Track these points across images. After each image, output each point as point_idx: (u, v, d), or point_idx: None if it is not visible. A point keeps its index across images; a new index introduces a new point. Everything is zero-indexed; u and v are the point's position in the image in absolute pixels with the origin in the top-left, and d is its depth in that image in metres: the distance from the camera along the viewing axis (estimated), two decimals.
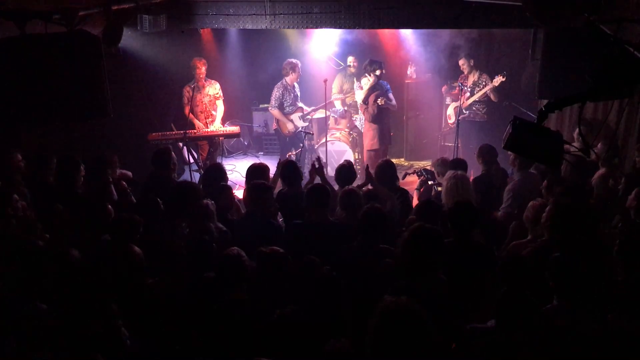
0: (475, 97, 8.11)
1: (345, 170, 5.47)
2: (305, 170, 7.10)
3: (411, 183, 6.69)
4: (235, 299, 3.34)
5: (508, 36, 7.82)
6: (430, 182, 5.86)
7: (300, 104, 8.75)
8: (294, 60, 8.45)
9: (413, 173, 6.32)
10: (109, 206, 4.51)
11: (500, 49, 7.98)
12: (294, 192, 5.19)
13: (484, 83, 8.10)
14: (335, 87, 9.08)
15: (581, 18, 4.27)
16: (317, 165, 5.61)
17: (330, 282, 3.41)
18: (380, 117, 7.79)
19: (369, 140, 7.78)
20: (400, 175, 6.02)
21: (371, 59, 8.02)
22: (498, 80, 7.85)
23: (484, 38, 8.00)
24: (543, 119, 3.17)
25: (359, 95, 8.09)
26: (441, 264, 3.50)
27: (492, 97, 7.99)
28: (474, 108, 8.21)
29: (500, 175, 5.85)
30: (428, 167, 7.20)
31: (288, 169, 5.37)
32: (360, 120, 8.77)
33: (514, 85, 8.22)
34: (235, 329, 3.12)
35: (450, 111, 8.88)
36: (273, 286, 3.59)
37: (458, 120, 7.94)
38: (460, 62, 8.22)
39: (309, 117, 8.79)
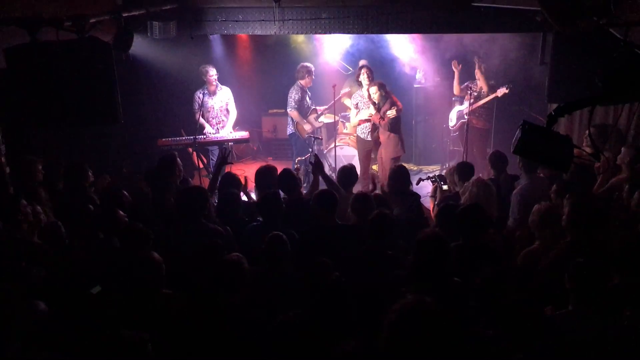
0: (479, 103, 8.11)
1: (347, 173, 5.46)
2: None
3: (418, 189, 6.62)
4: (233, 303, 3.34)
5: (517, 40, 7.78)
6: (444, 187, 5.77)
7: (313, 106, 8.77)
8: (309, 65, 8.44)
9: (427, 179, 6.28)
10: (120, 212, 4.51)
11: (509, 53, 7.94)
12: (294, 199, 5.19)
13: (489, 90, 8.08)
14: (348, 101, 8.99)
15: (591, 22, 4.24)
16: (313, 162, 5.60)
17: (339, 288, 3.39)
18: (398, 124, 7.77)
19: (392, 148, 7.70)
20: (414, 181, 6.00)
21: (360, 66, 8.02)
22: (502, 91, 7.86)
23: (493, 42, 7.97)
24: (552, 123, 3.14)
25: (364, 113, 7.99)
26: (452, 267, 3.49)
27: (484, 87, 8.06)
28: (476, 114, 8.19)
29: (509, 182, 5.81)
30: (441, 173, 7.13)
31: (284, 177, 5.37)
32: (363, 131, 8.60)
33: (523, 89, 8.19)
34: (234, 334, 3.12)
35: (452, 114, 8.86)
36: (275, 289, 3.59)
37: (467, 125, 7.91)
38: (477, 64, 8.21)
39: (321, 119, 8.81)
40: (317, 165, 5.63)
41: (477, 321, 3.29)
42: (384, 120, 7.55)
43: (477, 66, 8.15)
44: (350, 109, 8.63)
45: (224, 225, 4.63)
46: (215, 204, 5.18)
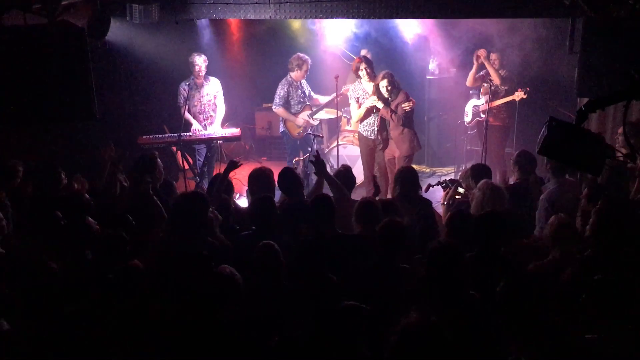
0: (495, 104, 8.09)
1: (343, 176, 5.45)
2: (314, 178, 7.09)
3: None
4: (225, 319, 3.36)
5: (542, 27, 7.79)
6: (461, 190, 5.73)
7: (309, 101, 8.75)
8: (303, 56, 8.42)
9: (438, 185, 6.25)
10: (90, 219, 4.51)
11: (534, 41, 7.95)
12: (296, 202, 5.18)
13: (508, 86, 8.07)
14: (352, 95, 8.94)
15: (626, 6, 4.25)
16: (314, 160, 5.54)
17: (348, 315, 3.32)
18: (411, 119, 7.75)
19: (407, 144, 7.68)
20: (423, 187, 5.98)
21: (359, 58, 7.98)
22: (519, 96, 7.86)
23: (516, 29, 7.97)
24: (582, 120, 3.15)
25: (368, 103, 7.94)
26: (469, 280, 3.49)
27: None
28: (493, 111, 8.18)
29: (537, 186, 5.80)
30: (454, 177, 7.11)
31: (285, 177, 5.38)
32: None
33: (549, 82, 8.19)
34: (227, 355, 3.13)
35: (468, 108, 8.84)
36: (269, 305, 3.61)
37: (485, 123, 7.90)
38: (493, 56, 8.19)
39: (317, 116, 8.79)
40: (318, 164, 5.55)
41: (499, 344, 3.29)
42: (395, 114, 7.50)
43: (482, 56, 8.08)
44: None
45: (227, 240, 4.65)
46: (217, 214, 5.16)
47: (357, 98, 7.94)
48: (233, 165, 5.78)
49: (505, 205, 4.89)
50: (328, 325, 3.06)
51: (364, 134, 8.04)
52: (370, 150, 8.14)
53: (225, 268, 3.66)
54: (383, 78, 7.52)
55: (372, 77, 7.75)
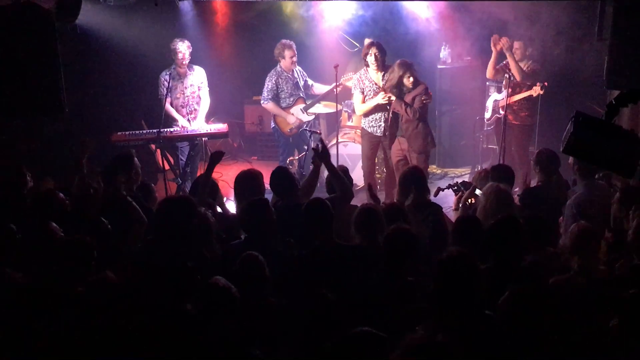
0: (515, 98, 8.07)
1: None
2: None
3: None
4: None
5: (568, 9, 7.79)
6: (478, 193, 5.70)
7: (306, 92, 8.76)
8: (285, 42, 8.44)
9: (449, 188, 6.24)
10: (53, 224, 4.50)
11: (558, 25, 7.95)
12: (289, 205, 5.18)
13: (531, 81, 8.05)
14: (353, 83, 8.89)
15: None
16: (319, 149, 5.51)
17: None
18: (426, 113, 7.74)
19: (421, 140, 7.67)
20: (432, 189, 5.97)
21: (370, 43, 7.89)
22: (536, 91, 7.83)
23: (536, 13, 7.97)
24: (614, 115, 3.15)
25: (378, 98, 7.88)
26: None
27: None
28: (513, 107, 8.17)
29: (562, 189, 5.80)
30: (467, 180, 7.07)
31: (278, 178, 5.38)
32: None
33: (575, 72, 8.18)
34: None
35: (489, 103, 8.83)
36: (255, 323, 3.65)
37: (504, 120, 7.89)
38: (516, 45, 8.15)
39: (313, 110, 8.78)
40: (323, 154, 5.50)
41: None
42: (411, 108, 7.45)
43: (504, 46, 8.01)
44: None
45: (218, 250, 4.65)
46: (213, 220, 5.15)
47: (363, 89, 7.89)
48: (217, 158, 5.65)
49: (512, 211, 4.86)
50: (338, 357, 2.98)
51: (369, 129, 7.97)
52: (374, 148, 8.11)
53: (219, 280, 3.68)
54: (406, 71, 7.42)
55: (382, 66, 7.70)
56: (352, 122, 9.16)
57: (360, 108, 7.91)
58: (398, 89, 7.51)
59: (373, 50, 7.63)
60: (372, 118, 7.90)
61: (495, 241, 4.09)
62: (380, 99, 7.59)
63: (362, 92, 7.89)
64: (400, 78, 7.44)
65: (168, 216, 4.56)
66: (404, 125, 7.66)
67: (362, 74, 7.91)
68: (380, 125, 7.85)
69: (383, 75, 7.73)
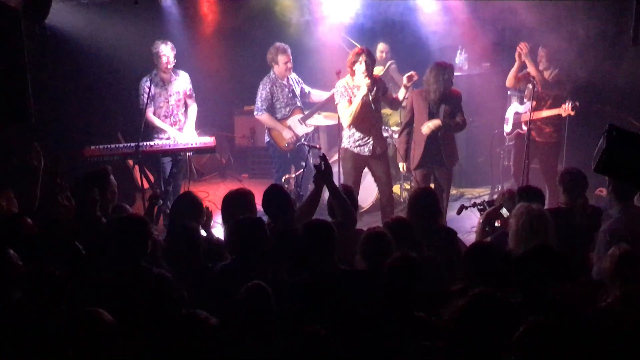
0: (538, 116, 8.02)
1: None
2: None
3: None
4: None
5: (598, 10, 7.84)
6: (504, 213, 5.67)
7: (302, 101, 8.78)
8: (279, 45, 8.42)
9: (474, 206, 6.26)
10: (11, 252, 4.48)
11: (586, 29, 8.00)
12: (284, 229, 5.18)
13: (557, 93, 8.02)
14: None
15: None
16: (322, 167, 5.51)
17: None
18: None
19: (455, 154, 7.81)
20: (454, 209, 5.96)
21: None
22: (566, 111, 7.76)
23: (563, 15, 8.03)
24: None
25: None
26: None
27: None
28: (537, 123, 8.13)
29: (588, 214, 5.79)
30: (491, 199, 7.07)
31: (272, 197, 5.40)
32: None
33: (607, 82, 8.21)
34: None
35: (509, 114, 8.78)
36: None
37: (527, 136, 7.87)
38: (541, 52, 8.12)
39: (312, 122, 8.79)
40: (325, 173, 5.50)
41: None
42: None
43: (523, 51, 7.94)
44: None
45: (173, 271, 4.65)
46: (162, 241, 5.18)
47: (351, 98, 7.51)
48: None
49: (552, 237, 4.85)
50: None
51: (355, 150, 7.67)
52: (359, 171, 7.83)
53: (200, 313, 3.69)
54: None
55: (370, 76, 7.38)
56: None
57: (348, 113, 7.49)
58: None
59: (362, 58, 7.34)
60: (353, 132, 7.65)
61: (526, 274, 4.04)
62: (364, 86, 7.29)
63: (350, 102, 7.52)
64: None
65: (117, 236, 4.58)
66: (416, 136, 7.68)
67: (349, 83, 7.59)
68: (369, 143, 7.63)
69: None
